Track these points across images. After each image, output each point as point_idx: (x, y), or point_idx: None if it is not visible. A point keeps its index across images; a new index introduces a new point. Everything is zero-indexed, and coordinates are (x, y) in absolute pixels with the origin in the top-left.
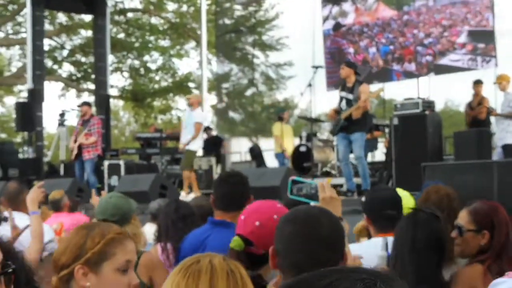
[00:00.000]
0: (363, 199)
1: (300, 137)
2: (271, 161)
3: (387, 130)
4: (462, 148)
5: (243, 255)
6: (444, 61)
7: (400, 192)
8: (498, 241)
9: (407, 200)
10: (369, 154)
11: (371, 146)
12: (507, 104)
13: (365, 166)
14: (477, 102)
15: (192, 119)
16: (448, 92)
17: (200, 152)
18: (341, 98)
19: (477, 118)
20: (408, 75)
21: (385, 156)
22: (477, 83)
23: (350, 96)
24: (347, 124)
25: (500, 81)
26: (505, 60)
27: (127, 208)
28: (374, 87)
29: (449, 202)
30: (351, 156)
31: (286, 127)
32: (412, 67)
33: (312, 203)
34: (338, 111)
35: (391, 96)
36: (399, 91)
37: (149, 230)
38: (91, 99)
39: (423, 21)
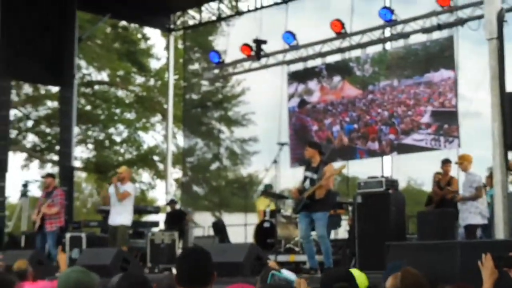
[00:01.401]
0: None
1: (264, 213)
2: (234, 237)
3: (350, 208)
4: (426, 227)
5: None
6: (408, 140)
7: (354, 271)
8: None
9: (362, 279)
10: (332, 232)
11: (334, 223)
12: (469, 185)
13: (328, 245)
14: (446, 181)
15: (122, 190)
16: (411, 171)
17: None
18: (305, 178)
19: (445, 198)
20: (372, 153)
21: (348, 234)
22: (446, 162)
23: (315, 176)
24: (310, 203)
25: (462, 161)
26: (468, 141)
27: (88, 283)
28: (337, 164)
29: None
30: (313, 233)
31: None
32: (375, 145)
33: None
34: (301, 191)
35: (355, 174)
36: (362, 169)
37: None
38: (55, 170)
39: (388, 101)
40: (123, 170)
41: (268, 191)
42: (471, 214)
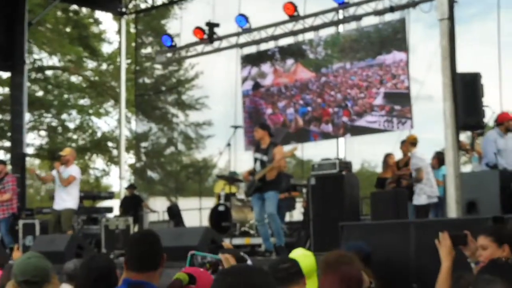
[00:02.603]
0: None
1: (219, 197)
2: (189, 221)
3: (304, 190)
4: (379, 208)
5: None
6: (361, 122)
7: (301, 251)
8: None
9: (309, 259)
10: (287, 214)
11: (289, 205)
12: (414, 168)
13: (278, 224)
14: (404, 162)
15: (67, 174)
16: (364, 154)
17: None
18: (256, 160)
19: (402, 178)
20: (325, 136)
21: (303, 216)
22: (404, 142)
23: (265, 158)
24: (261, 185)
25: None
26: (421, 123)
27: (47, 268)
28: (291, 147)
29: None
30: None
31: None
32: (329, 128)
33: None
34: (252, 173)
35: (309, 157)
36: (317, 152)
37: None
38: (7, 157)
39: (341, 83)
40: (67, 152)
41: (227, 176)
42: (415, 195)
